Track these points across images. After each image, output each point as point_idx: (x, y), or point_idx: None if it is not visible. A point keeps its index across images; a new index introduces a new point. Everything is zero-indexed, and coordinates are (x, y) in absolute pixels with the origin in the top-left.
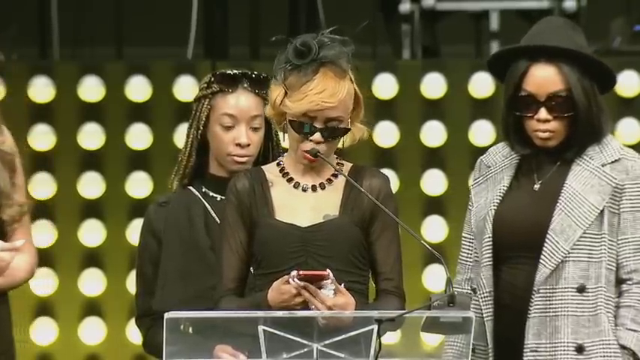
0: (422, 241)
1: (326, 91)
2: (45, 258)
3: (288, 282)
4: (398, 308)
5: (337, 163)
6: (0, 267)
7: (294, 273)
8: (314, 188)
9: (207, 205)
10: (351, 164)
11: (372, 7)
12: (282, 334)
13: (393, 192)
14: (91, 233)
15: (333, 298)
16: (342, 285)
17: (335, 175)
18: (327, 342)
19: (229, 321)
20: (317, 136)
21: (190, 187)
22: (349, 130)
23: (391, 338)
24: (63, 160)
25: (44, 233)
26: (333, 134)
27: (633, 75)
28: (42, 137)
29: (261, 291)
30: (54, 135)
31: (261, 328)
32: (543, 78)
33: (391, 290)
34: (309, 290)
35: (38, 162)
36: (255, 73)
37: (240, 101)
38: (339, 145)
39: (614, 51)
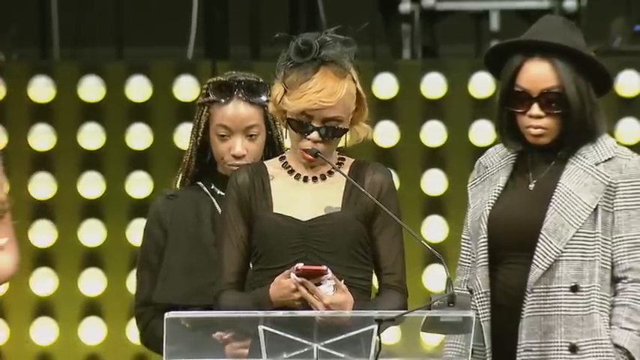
0: (422, 241)
1: (324, 91)
2: (45, 258)
3: (289, 276)
4: (400, 304)
5: (339, 159)
6: None
7: (296, 266)
8: (314, 179)
9: (215, 202)
10: (352, 159)
11: (372, 7)
12: (282, 333)
13: None
14: (91, 233)
15: (331, 296)
16: (342, 281)
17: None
18: (327, 342)
19: (230, 319)
20: (315, 135)
21: (199, 183)
22: (347, 130)
23: (391, 338)
24: (63, 160)
25: (44, 233)
26: (331, 134)
27: (633, 75)
28: (42, 137)
29: (260, 286)
30: (54, 135)
31: (261, 327)
32: (537, 74)
33: (393, 285)
34: (307, 287)
35: (38, 162)
36: (251, 80)
37: (234, 112)
38: (342, 144)
39: (614, 51)
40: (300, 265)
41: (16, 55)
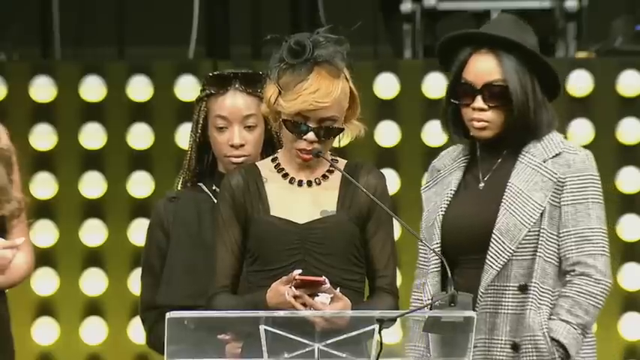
0: (424, 241)
1: (320, 91)
2: (46, 258)
3: (287, 282)
4: (392, 306)
5: (332, 159)
6: (1, 265)
7: (296, 272)
8: (309, 183)
9: (216, 202)
10: (345, 161)
11: (373, 7)
12: (283, 333)
13: (394, 192)
14: (93, 233)
15: (328, 306)
16: (338, 289)
17: (330, 172)
18: (328, 342)
19: (231, 320)
20: (311, 135)
21: (201, 184)
22: (343, 129)
23: (392, 338)
24: (64, 160)
25: (45, 233)
26: (327, 134)
27: (635, 75)
28: (43, 137)
29: (257, 287)
30: (55, 135)
31: (262, 327)
32: (481, 67)
33: (385, 288)
34: (304, 300)
35: (39, 161)
36: (247, 72)
37: (231, 102)
38: (335, 144)
39: (615, 51)
40: (297, 275)
41: (18, 55)
